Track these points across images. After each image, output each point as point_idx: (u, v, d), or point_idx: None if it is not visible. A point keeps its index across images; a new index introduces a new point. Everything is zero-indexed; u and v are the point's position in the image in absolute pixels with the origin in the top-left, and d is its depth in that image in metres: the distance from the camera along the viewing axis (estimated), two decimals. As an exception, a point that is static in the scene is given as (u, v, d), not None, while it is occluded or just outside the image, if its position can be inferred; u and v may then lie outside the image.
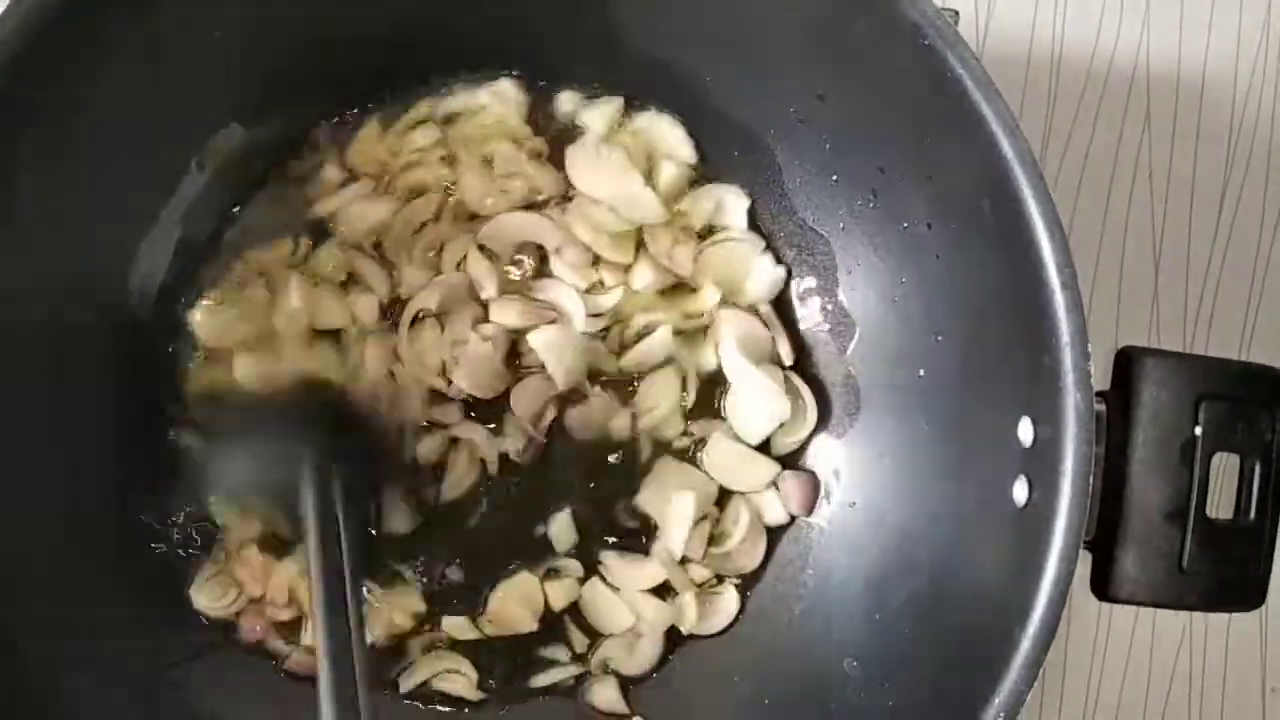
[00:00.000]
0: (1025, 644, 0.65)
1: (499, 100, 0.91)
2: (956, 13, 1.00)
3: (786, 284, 0.92)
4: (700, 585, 0.91)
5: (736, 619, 0.91)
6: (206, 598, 0.88)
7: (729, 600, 0.91)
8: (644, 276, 0.90)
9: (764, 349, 0.91)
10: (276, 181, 0.90)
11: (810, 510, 0.92)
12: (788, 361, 0.92)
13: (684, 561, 0.91)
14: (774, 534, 0.92)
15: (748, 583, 0.92)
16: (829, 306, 0.92)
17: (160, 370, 0.88)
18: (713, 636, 0.91)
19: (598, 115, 0.91)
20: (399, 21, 0.84)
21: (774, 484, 0.92)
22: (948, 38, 0.66)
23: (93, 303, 0.83)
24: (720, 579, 0.92)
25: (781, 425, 0.91)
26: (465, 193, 0.90)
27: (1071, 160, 1.03)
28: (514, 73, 0.90)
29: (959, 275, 0.77)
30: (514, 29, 0.87)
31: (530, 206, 0.91)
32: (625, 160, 0.89)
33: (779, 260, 0.92)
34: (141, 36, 0.74)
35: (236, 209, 0.90)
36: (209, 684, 0.86)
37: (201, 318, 0.88)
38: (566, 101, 0.91)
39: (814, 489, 0.92)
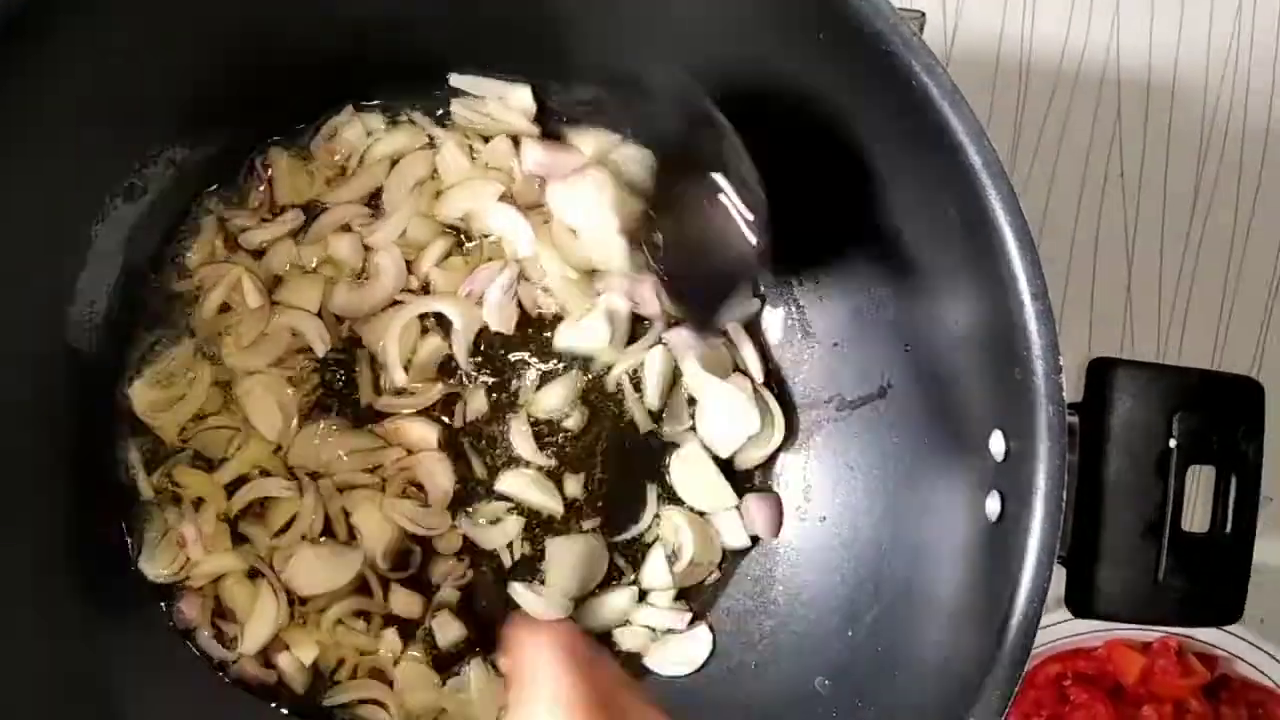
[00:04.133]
0: (1000, 662, 0.63)
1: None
2: (923, 14, 0.99)
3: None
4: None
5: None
6: (158, 563, 0.85)
7: (700, 643, 0.90)
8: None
9: (725, 363, 0.90)
10: (213, 209, 0.89)
11: (776, 532, 0.91)
12: (758, 379, 0.90)
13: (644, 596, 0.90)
14: (739, 552, 0.91)
15: (714, 600, 0.91)
16: (795, 316, 0.90)
17: (110, 401, 0.87)
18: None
19: (589, 141, 0.90)
20: (340, 33, 0.82)
21: (737, 509, 0.91)
22: (911, 45, 0.64)
23: (34, 334, 0.80)
24: (695, 619, 0.90)
25: (750, 438, 0.89)
26: (445, 168, 0.90)
27: (1041, 166, 1.02)
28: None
29: (928, 285, 0.76)
30: (466, 43, 0.85)
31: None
32: (609, 201, 0.88)
33: (754, 292, 0.91)
34: (80, 51, 0.71)
35: (180, 239, 0.88)
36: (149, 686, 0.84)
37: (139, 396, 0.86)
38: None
39: (779, 511, 0.91)
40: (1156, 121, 1.03)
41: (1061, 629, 0.96)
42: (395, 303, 0.88)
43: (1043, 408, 0.63)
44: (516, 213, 0.89)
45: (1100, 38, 1.03)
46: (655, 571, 0.89)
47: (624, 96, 0.87)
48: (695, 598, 0.91)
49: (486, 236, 0.90)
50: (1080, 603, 0.70)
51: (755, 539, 0.91)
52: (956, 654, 0.68)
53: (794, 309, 0.90)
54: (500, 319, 0.88)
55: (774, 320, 0.91)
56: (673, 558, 0.90)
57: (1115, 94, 1.03)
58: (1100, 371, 0.70)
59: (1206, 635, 0.97)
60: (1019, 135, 1.02)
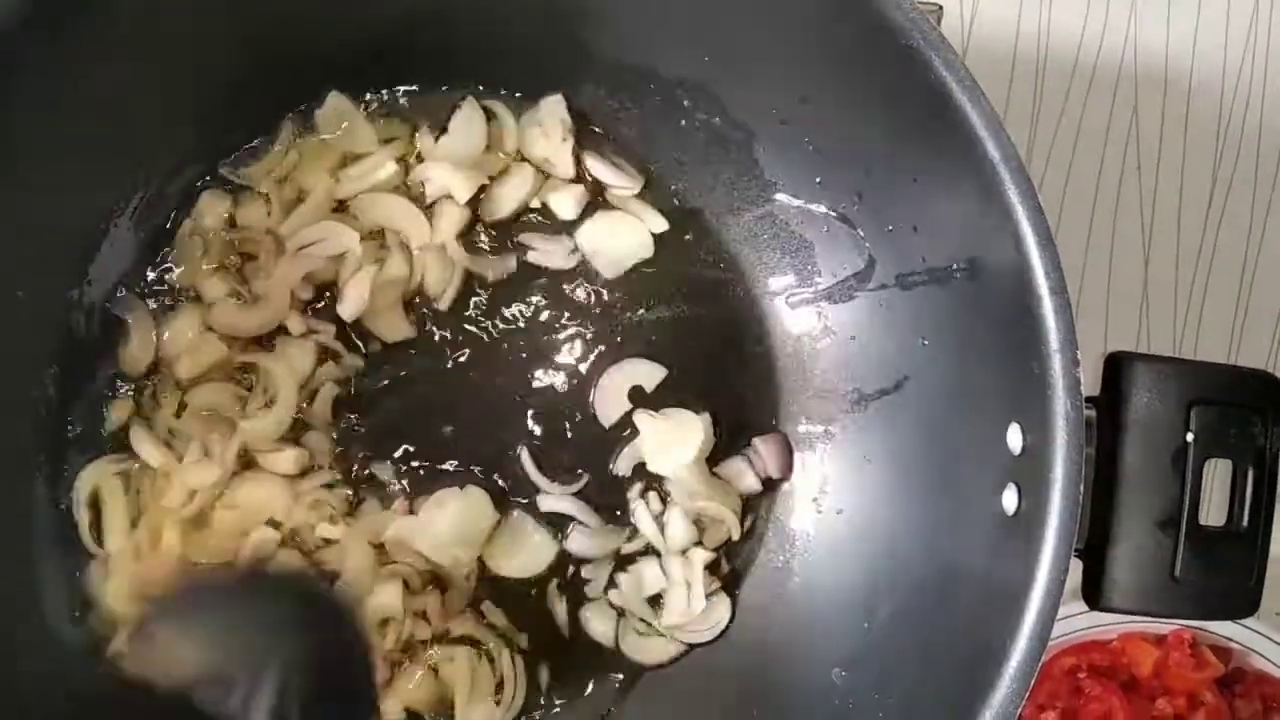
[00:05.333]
0: (1016, 655, 0.64)
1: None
2: (940, 8, 0.99)
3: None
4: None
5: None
6: None
7: (720, 610, 0.90)
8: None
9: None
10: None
11: (789, 472, 0.91)
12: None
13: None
14: (754, 535, 0.91)
15: (731, 589, 0.91)
16: (815, 310, 0.90)
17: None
18: (698, 646, 0.90)
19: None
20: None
21: (744, 455, 0.90)
22: (931, 40, 0.65)
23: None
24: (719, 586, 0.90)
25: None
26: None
27: (1058, 159, 1.02)
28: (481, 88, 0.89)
29: (945, 279, 0.76)
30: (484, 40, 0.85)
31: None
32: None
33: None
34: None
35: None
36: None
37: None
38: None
39: (788, 449, 0.91)
40: (1173, 114, 1.03)
41: (1076, 621, 0.96)
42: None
43: (1060, 401, 0.64)
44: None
45: (1117, 30, 1.03)
46: (677, 530, 0.89)
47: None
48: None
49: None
50: (1096, 595, 0.71)
51: (770, 484, 0.91)
52: (972, 646, 0.68)
53: (814, 302, 0.90)
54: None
55: (797, 313, 0.91)
56: (700, 524, 0.90)
57: (1132, 86, 1.03)
58: (1117, 365, 0.70)
59: (1221, 628, 0.97)
60: (1035, 128, 1.02)
